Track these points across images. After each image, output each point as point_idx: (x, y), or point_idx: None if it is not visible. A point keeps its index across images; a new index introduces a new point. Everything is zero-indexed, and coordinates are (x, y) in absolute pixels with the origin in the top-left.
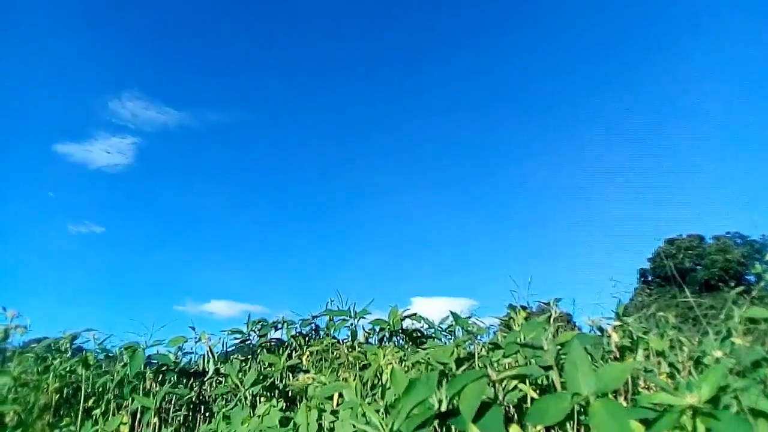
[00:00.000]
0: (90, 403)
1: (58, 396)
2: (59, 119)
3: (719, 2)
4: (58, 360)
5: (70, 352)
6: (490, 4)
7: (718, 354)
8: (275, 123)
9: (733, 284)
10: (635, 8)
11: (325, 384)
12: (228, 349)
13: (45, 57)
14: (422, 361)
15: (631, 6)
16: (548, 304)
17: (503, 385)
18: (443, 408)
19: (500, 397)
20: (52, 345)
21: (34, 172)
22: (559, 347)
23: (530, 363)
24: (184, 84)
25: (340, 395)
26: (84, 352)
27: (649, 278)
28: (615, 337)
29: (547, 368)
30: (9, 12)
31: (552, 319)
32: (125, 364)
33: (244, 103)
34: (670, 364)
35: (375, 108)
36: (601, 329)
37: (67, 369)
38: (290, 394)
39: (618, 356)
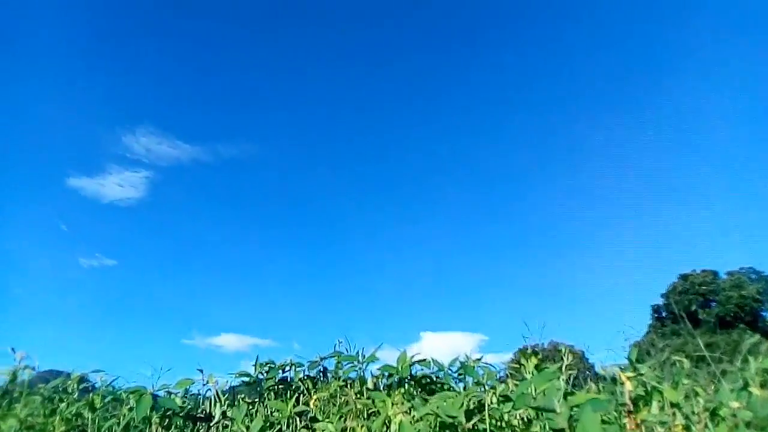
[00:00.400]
0: None
1: None
2: (73, 153)
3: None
4: (65, 403)
5: (77, 394)
6: (503, 25)
7: (735, 405)
8: (286, 157)
9: (748, 320)
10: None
11: None
12: (235, 387)
13: (59, 92)
14: (431, 413)
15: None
16: (560, 350)
17: None
18: None
19: None
20: (59, 386)
21: (47, 205)
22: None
23: (543, 416)
24: (197, 119)
25: None
26: (91, 394)
27: (663, 314)
28: (629, 387)
29: (558, 431)
30: (25, 47)
31: (564, 367)
32: (131, 408)
33: (255, 137)
34: (685, 417)
35: (385, 142)
36: (614, 379)
37: (74, 412)
38: None
39: (632, 409)
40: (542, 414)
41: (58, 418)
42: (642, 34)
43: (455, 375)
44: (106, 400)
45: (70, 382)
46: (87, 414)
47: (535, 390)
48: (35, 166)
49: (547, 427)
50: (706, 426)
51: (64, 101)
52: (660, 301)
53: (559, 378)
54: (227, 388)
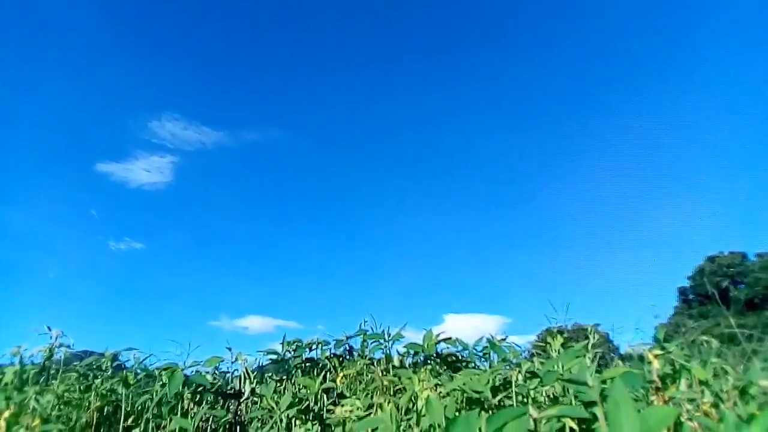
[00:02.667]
0: (129, 421)
1: (98, 414)
2: (101, 139)
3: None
4: (100, 379)
5: (110, 371)
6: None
7: (765, 383)
8: (311, 141)
9: None
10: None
11: (363, 412)
12: (263, 365)
13: (88, 81)
14: (458, 389)
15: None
16: (585, 329)
17: (543, 421)
18: None
19: (540, 430)
20: (93, 363)
21: (77, 190)
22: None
23: (569, 394)
24: (222, 104)
25: None
26: (124, 371)
27: (690, 297)
28: (656, 365)
29: (590, 404)
30: (54, 35)
31: (591, 346)
32: (164, 384)
33: (279, 123)
34: (714, 394)
35: (412, 126)
36: (641, 357)
37: (108, 388)
38: (325, 417)
39: (659, 386)
40: (569, 391)
41: (93, 393)
42: (658, 29)
43: (480, 354)
44: (139, 377)
45: (104, 359)
46: (121, 390)
47: (563, 367)
48: (65, 152)
49: (573, 403)
50: (735, 404)
51: (90, 88)
52: (687, 284)
53: (585, 356)
54: (255, 366)
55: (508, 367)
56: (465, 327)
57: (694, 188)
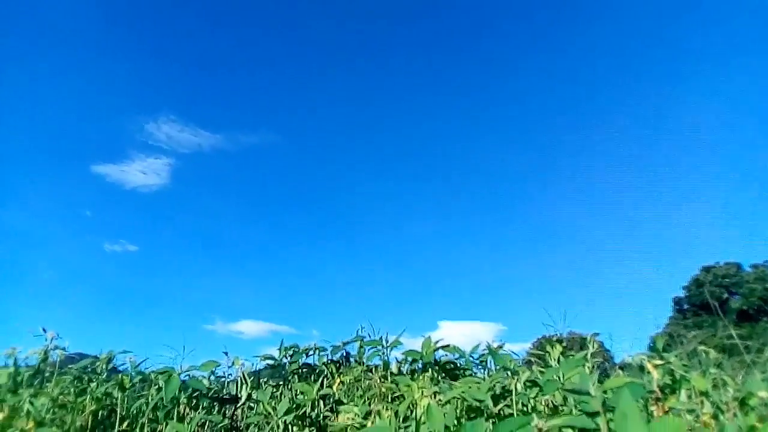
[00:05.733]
0: (125, 426)
1: (93, 418)
2: (97, 140)
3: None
4: (95, 383)
5: (105, 374)
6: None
7: (765, 395)
8: (307, 145)
9: None
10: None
11: (362, 419)
12: (259, 371)
13: (84, 81)
14: (458, 397)
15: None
16: (584, 338)
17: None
18: None
19: None
20: (88, 366)
21: (72, 191)
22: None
23: (569, 402)
24: (219, 107)
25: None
26: (120, 374)
27: (684, 307)
28: (656, 375)
29: (592, 414)
30: (51, 38)
31: (589, 355)
32: (160, 389)
33: (276, 126)
34: (714, 405)
35: (408, 131)
36: (641, 367)
37: (104, 392)
38: (322, 423)
39: (659, 396)
40: (569, 400)
41: (88, 397)
42: (658, 28)
43: (477, 362)
44: (135, 381)
45: (99, 362)
46: (116, 393)
47: (563, 376)
48: (60, 153)
49: (574, 413)
50: (735, 415)
51: (88, 89)
52: (682, 294)
53: (584, 365)
54: (251, 371)
55: (506, 376)
56: (459, 334)
57: (690, 198)
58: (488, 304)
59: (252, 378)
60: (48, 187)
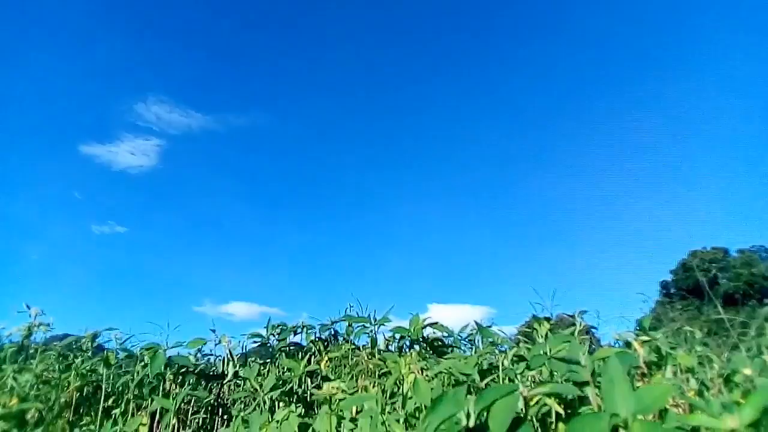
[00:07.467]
0: (110, 402)
1: (78, 394)
2: (85, 120)
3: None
4: (80, 359)
5: (91, 351)
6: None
7: (749, 372)
8: (298, 127)
9: (758, 297)
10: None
11: (348, 395)
12: (247, 351)
13: (73, 60)
14: (444, 371)
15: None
16: (572, 316)
17: (531, 401)
18: (471, 424)
19: (528, 413)
20: (73, 343)
21: (60, 172)
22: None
23: (557, 377)
24: (208, 88)
25: None
26: (105, 351)
27: (672, 291)
28: (642, 352)
29: (581, 384)
30: (40, 17)
31: (577, 332)
32: (146, 365)
33: (266, 108)
34: (699, 382)
35: (398, 114)
36: (628, 344)
37: (89, 368)
38: (309, 399)
39: (645, 372)
40: (557, 373)
41: (73, 373)
42: (655, 24)
43: (465, 340)
44: (121, 357)
45: (84, 339)
46: (102, 370)
47: (550, 351)
48: (49, 133)
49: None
50: (719, 391)
51: (77, 70)
52: (669, 278)
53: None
54: (239, 351)
55: (494, 352)
56: (449, 317)
57: (678, 184)
58: (478, 288)
59: (239, 357)
60: (35, 168)
